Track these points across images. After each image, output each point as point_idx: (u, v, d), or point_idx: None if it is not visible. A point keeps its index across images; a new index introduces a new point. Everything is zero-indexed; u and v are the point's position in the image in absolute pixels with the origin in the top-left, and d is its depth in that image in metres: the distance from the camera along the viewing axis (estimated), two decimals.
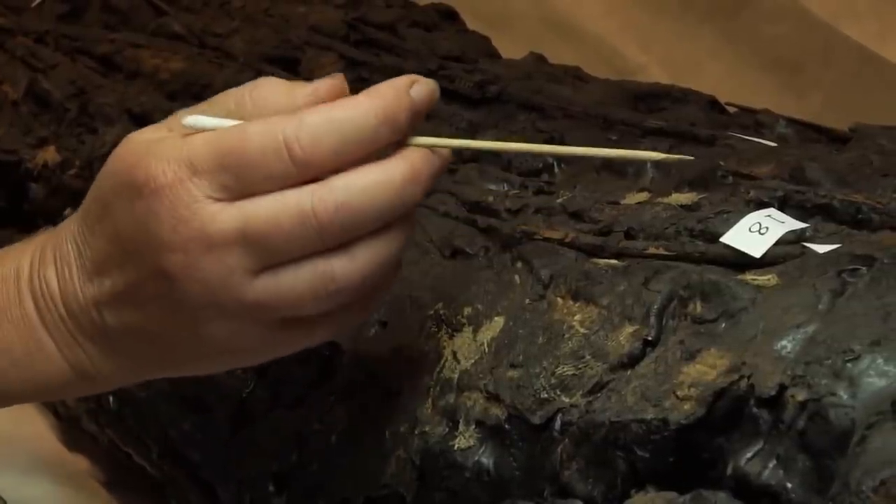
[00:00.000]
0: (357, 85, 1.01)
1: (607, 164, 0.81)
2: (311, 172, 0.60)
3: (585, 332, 0.65)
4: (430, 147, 0.62)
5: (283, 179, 0.60)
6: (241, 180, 0.60)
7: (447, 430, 0.68)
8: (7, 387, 0.67)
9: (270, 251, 0.60)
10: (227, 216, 0.60)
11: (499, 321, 0.69)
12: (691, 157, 0.67)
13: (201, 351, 0.64)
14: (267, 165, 0.59)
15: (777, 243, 0.64)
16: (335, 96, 0.62)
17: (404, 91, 0.61)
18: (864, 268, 0.59)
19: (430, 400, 0.70)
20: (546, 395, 0.64)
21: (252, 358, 0.66)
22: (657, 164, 0.79)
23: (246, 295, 0.60)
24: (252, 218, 0.59)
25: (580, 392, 0.63)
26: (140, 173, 0.61)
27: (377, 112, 0.60)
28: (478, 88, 0.96)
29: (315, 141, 0.59)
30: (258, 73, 1.03)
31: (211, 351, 0.64)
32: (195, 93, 1.04)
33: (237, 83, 1.02)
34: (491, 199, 0.77)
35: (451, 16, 1.17)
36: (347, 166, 0.60)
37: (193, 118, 0.63)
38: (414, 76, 0.62)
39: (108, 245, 0.63)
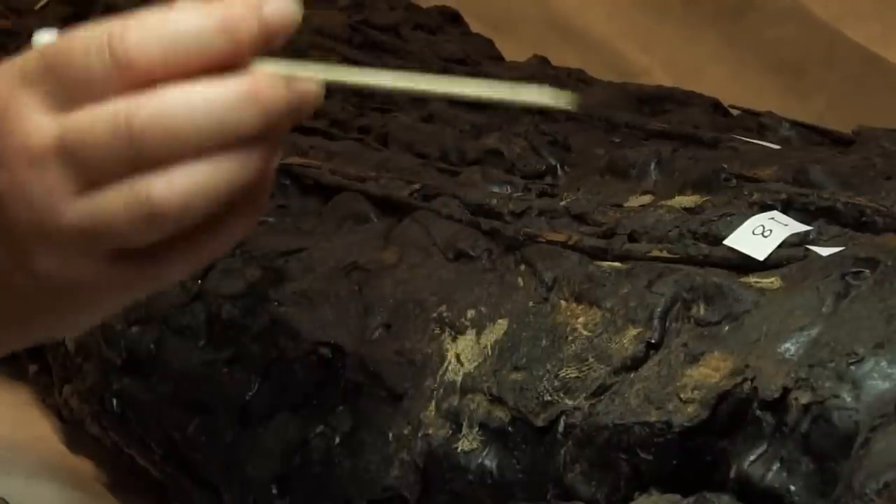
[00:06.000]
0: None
1: (611, 166, 0.81)
2: (134, 78, 0.54)
3: (589, 334, 0.65)
4: (287, 76, 0.54)
5: (105, 85, 0.54)
6: (64, 87, 0.55)
7: (450, 432, 0.68)
8: None
9: (86, 166, 0.55)
10: (48, 127, 0.55)
11: (502, 324, 0.69)
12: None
13: (39, 295, 0.59)
14: (88, 68, 0.54)
15: (780, 246, 0.64)
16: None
17: (253, 4, 0.54)
18: (867, 270, 0.59)
19: (433, 402, 0.70)
20: (549, 398, 0.64)
21: (95, 301, 0.60)
22: (659, 164, 0.79)
23: (63, 217, 0.55)
24: (69, 128, 0.55)
25: (583, 394, 0.63)
26: None
27: (216, 18, 0.54)
28: None
29: (141, 40, 0.54)
30: None
31: (48, 292, 0.59)
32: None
33: None
34: (494, 201, 0.77)
35: (454, 18, 1.17)
36: (178, 77, 0.54)
37: (42, 33, 0.58)
38: None
39: None
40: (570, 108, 0.55)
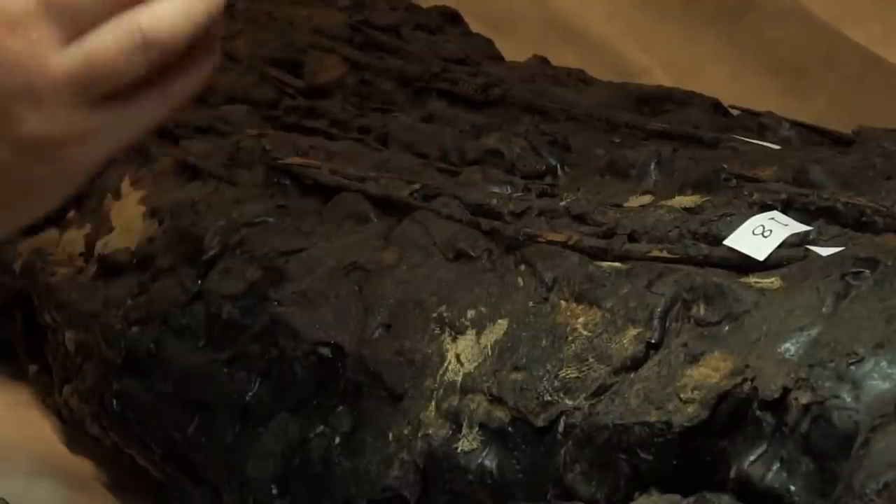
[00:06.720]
0: (360, 88, 1.01)
1: (611, 166, 0.81)
2: None
3: (589, 334, 0.65)
4: None
5: None
6: None
7: (450, 432, 0.68)
8: None
9: (75, 15, 0.58)
10: None
11: (502, 324, 0.69)
12: None
13: (24, 166, 0.61)
14: None
15: (780, 246, 0.64)
16: None
17: None
18: (867, 270, 0.59)
19: (433, 403, 0.70)
20: (549, 398, 0.65)
21: (79, 156, 0.63)
22: (659, 164, 0.79)
23: (54, 68, 0.59)
24: None
25: (583, 395, 0.63)
26: None
27: None
28: (481, 91, 0.96)
29: None
30: (262, 76, 1.03)
31: (32, 158, 0.61)
32: (198, 95, 1.04)
33: (241, 86, 1.03)
34: (494, 201, 0.77)
35: (454, 18, 1.17)
36: None
37: None
38: None
39: None
40: None
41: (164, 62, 0.60)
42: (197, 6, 0.60)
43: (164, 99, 0.62)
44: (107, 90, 0.60)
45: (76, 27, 0.59)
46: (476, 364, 0.69)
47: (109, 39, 0.59)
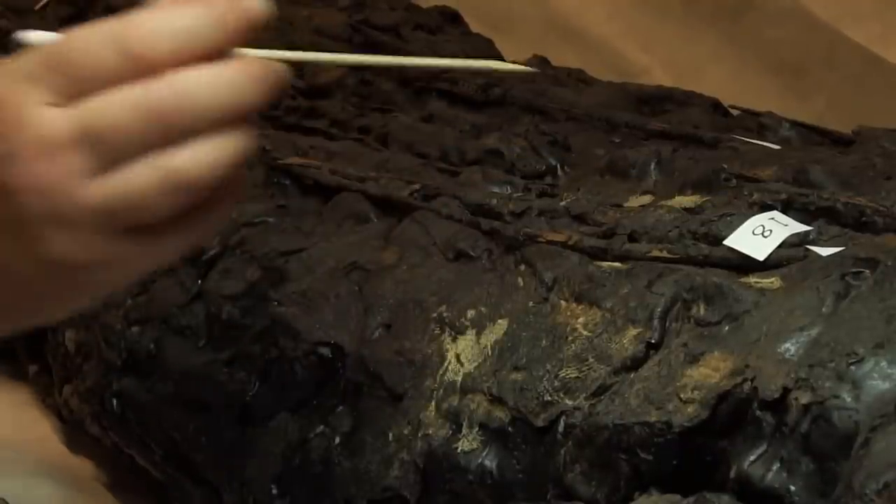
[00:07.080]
0: (360, 88, 1.01)
1: (611, 166, 0.81)
2: (145, 69, 0.59)
3: (589, 334, 0.65)
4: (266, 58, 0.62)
5: (118, 76, 0.59)
6: (74, 80, 0.59)
7: (450, 432, 0.68)
8: None
9: (111, 149, 0.59)
10: (63, 118, 0.58)
11: (502, 324, 0.69)
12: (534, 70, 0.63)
13: (40, 281, 0.62)
14: (101, 62, 0.58)
15: (780, 246, 0.64)
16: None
17: (238, 1, 0.61)
18: (867, 270, 0.59)
19: (433, 403, 0.70)
20: (549, 398, 0.65)
21: (97, 281, 0.64)
22: (659, 164, 0.79)
23: (88, 198, 0.59)
24: (89, 116, 0.58)
25: (583, 395, 0.63)
26: None
27: (211, 13, 0.60)
28: (481, 91, 0.96)
29: (150, 35, 0.59)
30: None
31: (52, 277, 0.62)
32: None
33: None
34: (494, 201, 0.77)
35: (454, 18, 1.17)
36: (182, 66, 0.59)
37: (29, 33, 0.62)
38: None
39: None
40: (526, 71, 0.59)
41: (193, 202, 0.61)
42: (233, 147, 0.60)
43: (188, 234, 0.63)
44: (133, 224, 0.60)
45: (112, 160, 0.59)
46: (476, 364, 0.69)
47: (142, 179, 0.59)
